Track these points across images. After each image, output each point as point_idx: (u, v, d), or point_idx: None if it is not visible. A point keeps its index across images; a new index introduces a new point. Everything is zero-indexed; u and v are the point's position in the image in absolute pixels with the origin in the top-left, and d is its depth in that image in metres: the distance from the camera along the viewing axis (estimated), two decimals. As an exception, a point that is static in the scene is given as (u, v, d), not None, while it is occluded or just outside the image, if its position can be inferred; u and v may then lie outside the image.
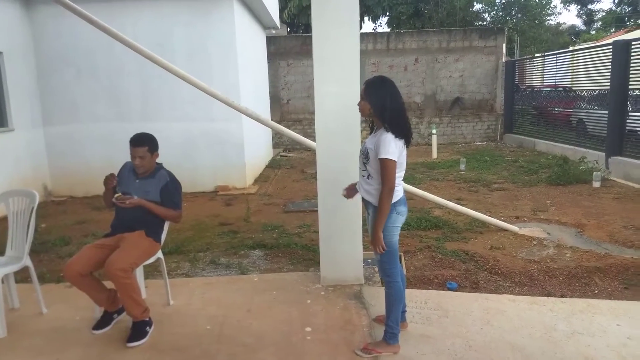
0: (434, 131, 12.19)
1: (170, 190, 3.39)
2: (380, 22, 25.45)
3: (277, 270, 4.54)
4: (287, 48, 14.72)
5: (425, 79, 14.91)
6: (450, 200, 5.68)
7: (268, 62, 12.68)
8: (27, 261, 3.45)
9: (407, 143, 2.86)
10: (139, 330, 3.11)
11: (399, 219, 2.89)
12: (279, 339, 3.12)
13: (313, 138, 4.22)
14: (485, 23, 22.19)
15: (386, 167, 2.71)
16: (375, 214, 2.81)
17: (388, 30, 23.02)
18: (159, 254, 3.49)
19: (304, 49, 14.47)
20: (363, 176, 2.96)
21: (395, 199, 2.81)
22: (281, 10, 16.45)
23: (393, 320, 2.92)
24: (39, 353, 3.03)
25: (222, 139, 8.37)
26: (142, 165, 3.32)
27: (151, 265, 3.77)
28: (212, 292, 3.90)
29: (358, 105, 2.96)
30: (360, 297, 3.70)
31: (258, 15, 10.50)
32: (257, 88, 10.53)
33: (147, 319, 3.19)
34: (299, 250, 5.03)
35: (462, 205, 5.93)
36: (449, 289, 4.00)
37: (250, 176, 8.99)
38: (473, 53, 14.81)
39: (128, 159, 3.45)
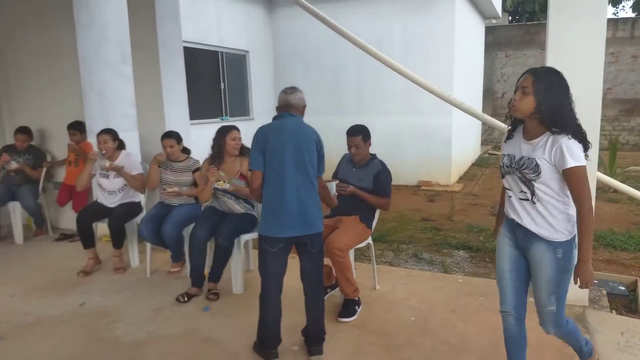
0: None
1: (381, 178, 3.58)
2: (623, 6, 21.71)
3: (483, 275, 4.33)
4: (506, 38, 13.75)
5: (684, 71, 12.17)
6: None
7: (484, 53, 12.05)
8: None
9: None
10: (349, 307, 3.34)
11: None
12: (486, 346, 2.96)
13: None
14: None
15: (582, 177, 2.05)
16: (564, 252, 2.14)
17: (632, 15, 19.45)
18: (369, 240, 3.68)
19: (526, 39, 13.33)
20: (524, 199, 2.19)
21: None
22: (503, -1, 15.38)
23: (586, 352, 2.52)
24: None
25: (428, 133, 8.33)
26: (357, 153, 3.58)
27: (358, 250, 3.99)
28: (415, 285, 3.94)
29: (513, 100, 2.20)
30: (583, 320, 3.25)
31: (479, 5, 10.05)
32: (470, 81, 10.13)
33: (357, 299, 3.40)
34: (508, 257, 4.68)
35: None
36: None
37: (455, 173, 8.75)
38: None
39: (343, 148, 3.76)
